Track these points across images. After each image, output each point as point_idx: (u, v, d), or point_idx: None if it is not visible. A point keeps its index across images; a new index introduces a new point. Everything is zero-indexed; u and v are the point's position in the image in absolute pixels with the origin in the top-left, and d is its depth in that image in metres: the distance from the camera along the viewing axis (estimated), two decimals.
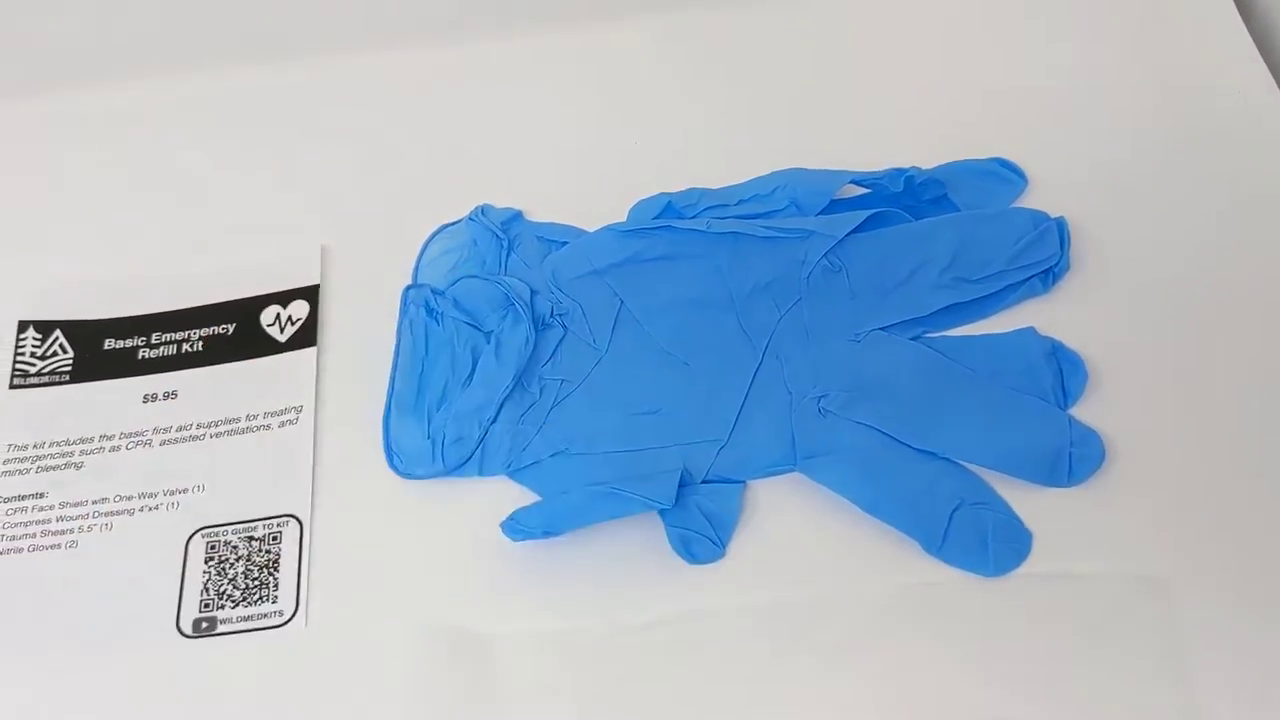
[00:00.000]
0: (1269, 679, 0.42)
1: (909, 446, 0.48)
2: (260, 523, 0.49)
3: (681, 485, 0.47)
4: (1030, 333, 0.50)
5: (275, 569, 0.48)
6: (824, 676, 0.43)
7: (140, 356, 0.55)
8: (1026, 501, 0.46)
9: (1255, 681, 0.42)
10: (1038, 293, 0.52)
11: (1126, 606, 0.44)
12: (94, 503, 0.51)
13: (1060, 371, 0.49)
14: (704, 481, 0.48)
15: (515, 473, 0.50)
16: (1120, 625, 0.44)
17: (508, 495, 0.49)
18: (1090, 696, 0.42)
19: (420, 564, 0.48)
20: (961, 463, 0.47)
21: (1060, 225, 0.52)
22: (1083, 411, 0.48)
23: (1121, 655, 0.43)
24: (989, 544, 0.45)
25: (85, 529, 0.50)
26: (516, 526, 0.47)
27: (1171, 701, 0.42)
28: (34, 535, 0.50)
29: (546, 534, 0.47)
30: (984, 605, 0.44)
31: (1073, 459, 0.47)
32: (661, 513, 0.47)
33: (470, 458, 0.50)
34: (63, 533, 0.50)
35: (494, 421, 0.50)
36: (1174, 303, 0.51)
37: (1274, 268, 0.51)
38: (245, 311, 0.55)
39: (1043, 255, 0.51)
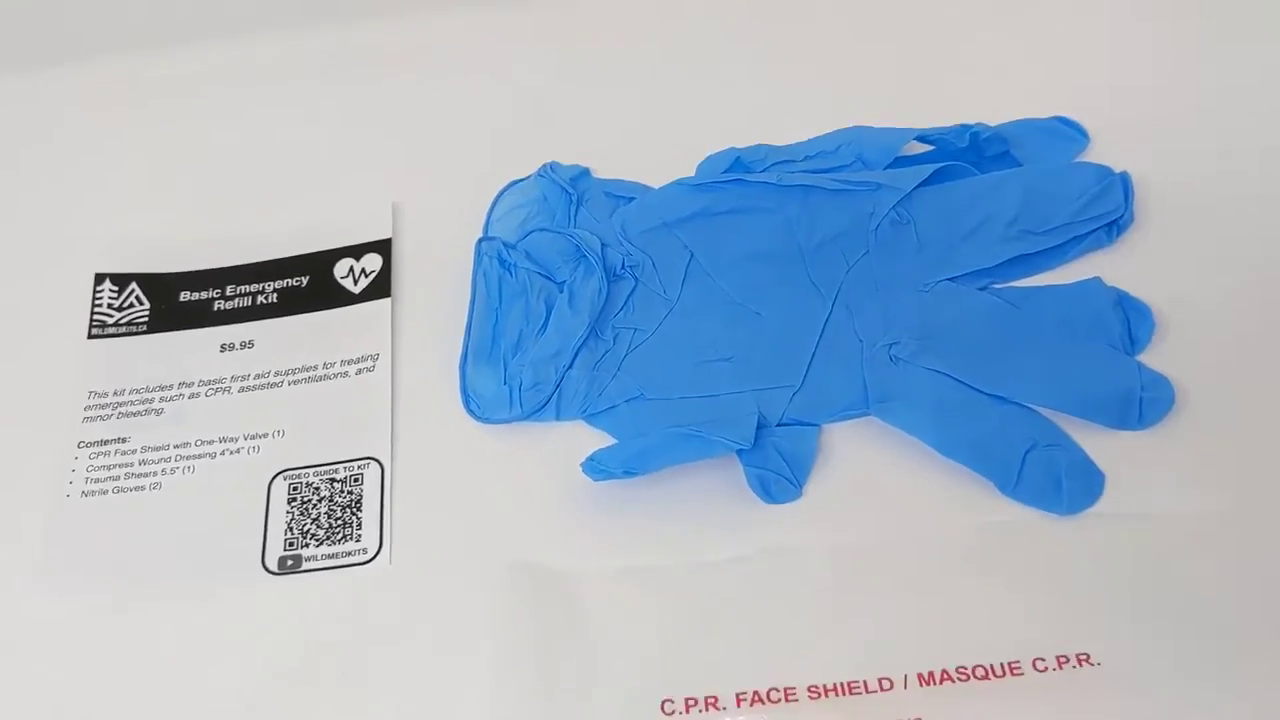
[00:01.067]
0: None
1: (981, 392, 0.49)
2: (341, 465, 0.50)
3: (758, 428, 0.48)
4: (1096, 283, 0.51)
5: (358, 509, 0.49)
6: (900, 612, 0.44)
7: (215, 308, 0.56)
8: (1098, 444, 0.47)
9: None
10: (1103, 245, 0.52)
11: (1198, 544, 0.45)
12: (175, 447, 0.52)
13: (1127, 319, 0.50)
14: (779, 425, 0.49)
15: (591, 417, 0.51)
16: (1192, 563, 0.44)
17: (585, 439, 0.50)
18: (1164, 633, 0.43)
19: (501, 504, 0.49)
20: (1033, 407, 0.48)
21: (1124, 179, 0.53)
22: (1150, 358, 0.49)
23: (1193, 592, 0.44)
24: (1063, 484, 0.46)
25: (168, 471, 0.51)
26: (597, 466, 0.48)
27: (1243, 639, 0.43)
28: (118, 478, 0.51)
29: (627, 474, 0.47)
30: (1058, 543, 0.45)
31: (1143, 403, 0.48)
32: (739, 454, 0.48)
33: (547, 403, 0.51)
34: (145, 475, 0.51)
35: (569, 368, 0.51)
36: (1236, 252, 0.51)
37: None
38: (318, 265, 0.56)
39: (1107, 208, 0.52)
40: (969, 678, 0.42)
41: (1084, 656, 0.42)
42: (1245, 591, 0.43)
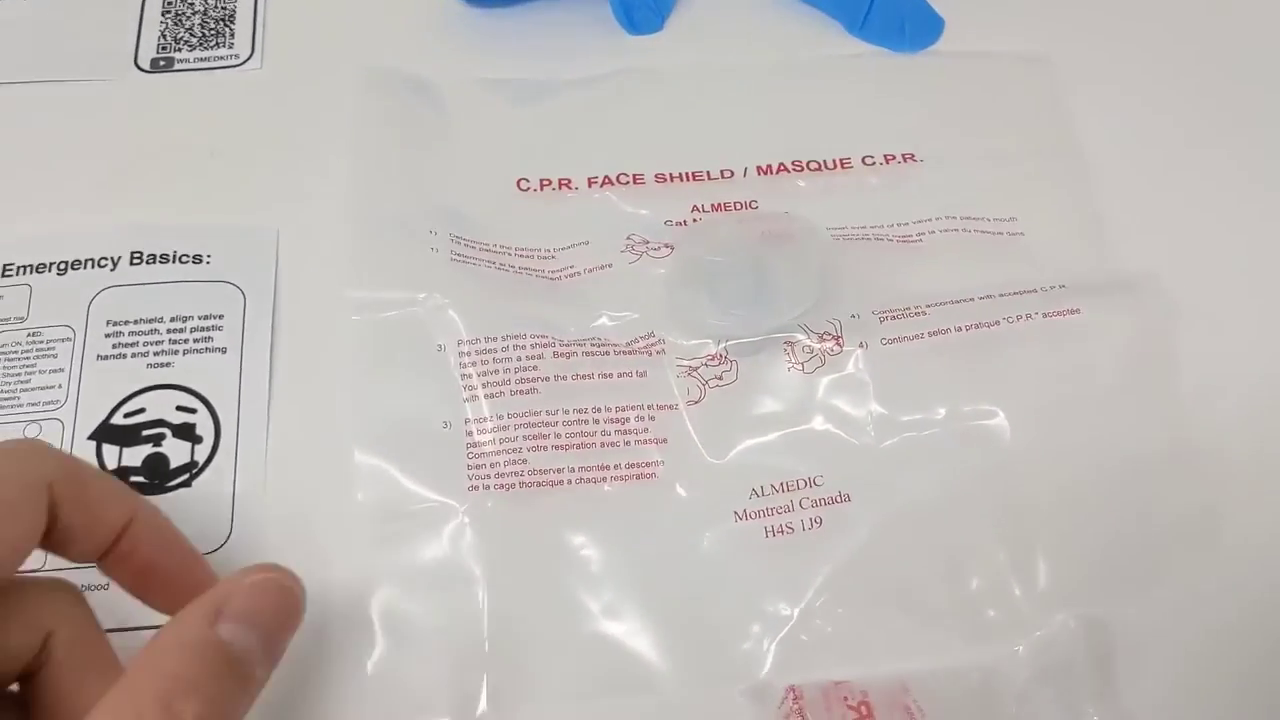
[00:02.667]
0: (1142, 130, 0.47)
1: None
2: None
3: None
4: None
5: (231, 21, 0.50)
6: (746, 118, 0.48)
7: None
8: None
9: (1133, 139, 0.47)
10: None
11: (1017, 75, 0.49)
12: None
13: None
14: None
15: None
16: (1010, 94, 0.48)
17: None
18: (984, 144, 0.47)
19: (378, 21, 0.50)
20: None
21: None
22: None
23: (1010, 118, 0.48)
24: (905, 26, 0.50)
25: None
26: None
27: (1057, 166, 0.47)
28: None
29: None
30: (897, 71, 0.49)
31: None
32: None
33: None
34: None
35: None
36: None
37: None
38: None
39: None
40: (803, 169, 0.46)
41: (909, 155, 0.46)
42: (1059, 122, 0.48)
